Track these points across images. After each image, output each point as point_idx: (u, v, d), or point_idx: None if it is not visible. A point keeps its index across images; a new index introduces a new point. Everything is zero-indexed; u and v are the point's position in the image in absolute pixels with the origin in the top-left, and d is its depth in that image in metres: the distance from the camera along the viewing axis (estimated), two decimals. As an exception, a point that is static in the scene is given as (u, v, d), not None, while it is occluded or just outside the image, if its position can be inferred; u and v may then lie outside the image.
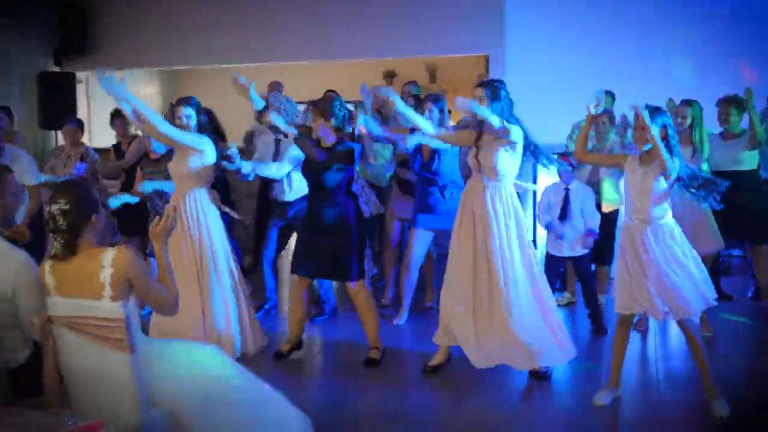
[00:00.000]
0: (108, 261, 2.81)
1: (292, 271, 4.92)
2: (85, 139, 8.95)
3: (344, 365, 4.98)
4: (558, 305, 6.23)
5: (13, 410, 2.18)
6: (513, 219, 4.43)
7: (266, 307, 6.07)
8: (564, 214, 5.63)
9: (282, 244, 6.09)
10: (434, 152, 5.37)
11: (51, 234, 2.87)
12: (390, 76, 11.45)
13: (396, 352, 5.07)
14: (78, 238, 2.86)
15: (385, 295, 6.34)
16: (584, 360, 4.91)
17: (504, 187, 4.45)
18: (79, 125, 6.92)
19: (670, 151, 3.88)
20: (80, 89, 9.76)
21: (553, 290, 5.77)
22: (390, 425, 4.02)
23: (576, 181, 5.69)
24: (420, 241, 5.57)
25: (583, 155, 4.31)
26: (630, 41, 7.86)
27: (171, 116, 4.88)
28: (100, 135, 9.85)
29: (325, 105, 4.72)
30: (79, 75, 9.71)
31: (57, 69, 9.44)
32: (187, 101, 4.78)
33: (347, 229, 4.74)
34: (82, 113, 9.51)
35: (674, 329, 5.34)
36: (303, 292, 4.94)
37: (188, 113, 4.73)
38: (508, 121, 4.35)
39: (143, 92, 11.66)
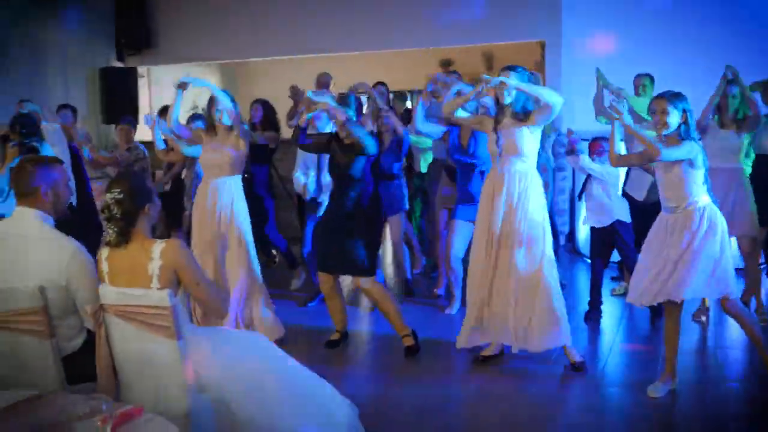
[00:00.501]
0: (157, 253, 2.89)
1: (318, 269, 5.02)
2: (145, 133, 9.19)
3: (391, 355, 4.99)
4: (614, 294, 6.17)
5: (55, 395, 2.24)
6: (531, 202, 4.38)
7: (320, 297, 6.12)
8: (582, 193, 5.61)
9: None
10: (472, 134, 5.29)
11: (106, 222, 2.95)
12: (446, 64, 11.36)
13: (446, 342, 5.04)
14: (131, 226, 2.93)
15: (438, 283, 6.33)
16: (641, 350, 4.82)
17: (529, 170, 4.41)
18: (133, 124, 7.11)
19: (687, 135, 3.86)
20: (142, 83, 9.99)
21: (606, 265, 5.68)
22: (434, 415, 4.02)
23: (607, 163, 5.57)
24: (460, 233, 5.45)
25: (618, 160, 4.23)
26: (685, 27, 7.66)
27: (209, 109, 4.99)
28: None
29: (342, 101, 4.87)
30: (141, 70, 9.93)
31: (119, 64, 9.67)
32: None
33: (356, 223, 4.78)
34: (143, 107, 9.74)
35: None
36: (331, 288, 5.00)
37: (228, 107, 4.94)
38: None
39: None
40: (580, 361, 4.48)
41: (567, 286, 6.16)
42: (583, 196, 5.63)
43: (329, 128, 5.49)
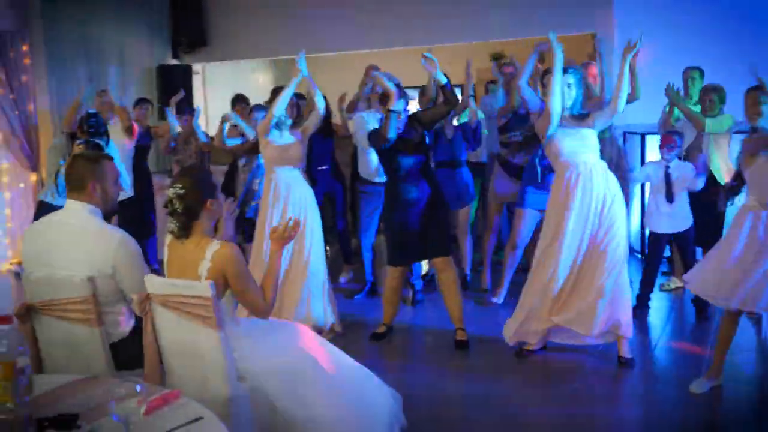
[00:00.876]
0: (210, 254, 2.95)
1: (393, 264, 5.02)
2: (202, 126, 9.40)
3: (436, 348, 5.03)
4: (663, 290, 6.10)
5: (97, 379, 2.34)
6: (614, 199, 4.45)
7: (367, 289, 6.20)
8: (669, 196, 5.46)
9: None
10: None
11: (169, 216, 3.05)
12: (498, 57, 11.30)
13: (491, 336, 5.05)
14: (193, 220, 3.01)
15: (483, 278, 6.33)
16: (686, 346, 4.76)
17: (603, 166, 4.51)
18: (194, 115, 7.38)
19: None
20: (197, 80, 10.21)
21: (658, 271, 5.62)
22: (479, 409, 4.04)
23: (676, 160, 5.53)
24: (529, 221, 5.55)
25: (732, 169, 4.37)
26: (738, 21, 7.48)
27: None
28: (216, 123, 10.27)
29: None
30: (195, 67, 10.14)
31: (175, 62, 9.90)
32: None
33: (434, 208, 4.88)
34: (198, 103, 9.94)
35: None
36: (399, 282, 5.07)
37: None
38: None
39: (259, 80, 12.05)
40: (630, 358, 4.46)
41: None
42: (658, 199, 5.55)
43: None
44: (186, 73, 9.75)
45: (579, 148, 4.44)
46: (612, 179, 4.49)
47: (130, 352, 3.15)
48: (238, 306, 3.16)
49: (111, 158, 3.27)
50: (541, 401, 4.13)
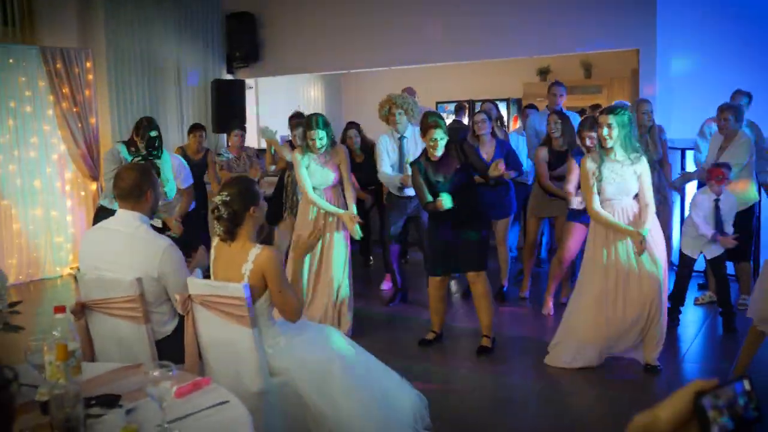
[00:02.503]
0: (252, 256, 3.21)
1: (430, 274, 5.27)
2: (252, 140, 9.79)
3: (470, 353, 5.20)
4: (697, 304, 6.16)
5: (138, 365, 2.61)
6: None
7: (398, 297, 6.43)
8: (719, 226, 5.49)
9: (406, 236, 6.44)
10: None
11: (215, 221, 3.32)
12: (544, 73, 11.45)
13: (527, 343, 5.21)
14: (237, 226, 3.27)
15: (524, 287, 6.49)
16: (715, 360, 4.84)
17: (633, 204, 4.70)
18: (243, 132, 7.74)
19: None
20: (250, 94, 10.59)
21: (688, 287, 5.69)
22: (506, 414, 4.21)
23: (725, 191, 5.56)
24: (578, 235, 5.67)
25: None
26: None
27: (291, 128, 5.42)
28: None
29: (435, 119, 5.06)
30: (249, 81, 10.54)
31: (229, 76, 10.30)
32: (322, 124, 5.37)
33: (478, 224, 5.05)
34: (250, 117, 10.32)
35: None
36: (440, 291, 5.27)
37: (321, 135, 5.34)
38: (635, 146, 4.62)
39: (308, 95, 12.40)
40: (656, 365, 4.58)
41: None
42: (701, 227, 5.55)
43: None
44: (239, 88, 10.15)
45: (618, 194, 4.62)
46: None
47: (173, 349, 3.41)
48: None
49: (156, 169, 3.56)
50: (563, 408, 4.27)
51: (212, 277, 3.37)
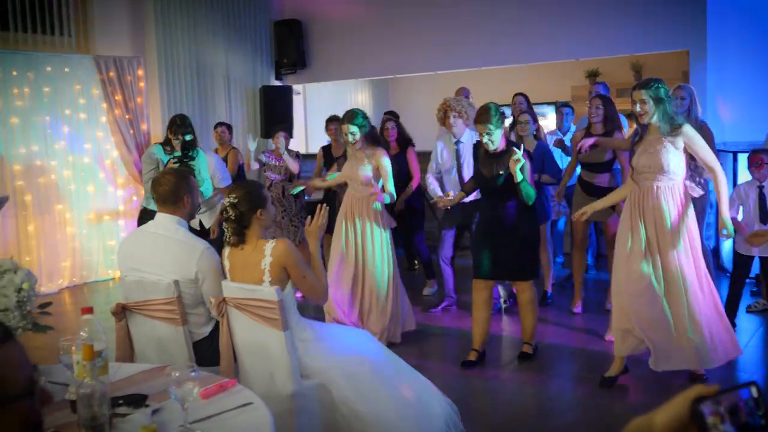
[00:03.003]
0: (269, 251, 3.28)
1: (476, 276, 5.07)
2: (300, 145, 9.90)
3: (510, 360, 5.18)
4: (750, 311, 6.00)
5: (164, 366, 2.67)
6: (685, 218, 4.37)
7: (444, 304, 6.40)
8: (765, 216, 5.30)
9: (458, 242, 6.40)
10: None
11: (224, 223, 3.40)
12: (593, 75, 11.30)
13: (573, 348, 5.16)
14: (245, 228, 3.34)
15: (575, 301, 6.26)
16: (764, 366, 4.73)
17: (676, 186, 4.38)
18: (288, 135, 7.77)
19: None
20: (297, 100, 10.72)
21: (743, 291, 5.53)
22: (540, 423, 4.18)
23: None
24: None
25: None
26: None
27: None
28: (315, 140, 10.77)
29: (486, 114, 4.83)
30: (297, 87, 10.67)
31: (277, 83, 10.45)
32: (351, 119, 5.35)
33: (524, 230, 4.89)
34: (298, 122, 10.45)
35: None
36: (482, 296, 5.05)
37: (353, 130, 5.32)
38: (673, 120, 4.31)
39: (356, 100, 12.49)
40: (701, 374, 4.48)
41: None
42: (749, 220, 5.40)
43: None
44: (287, 94, 10.28)
45: (647, 168, 4.38)
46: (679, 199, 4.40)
47: (209, 351, 3.49)
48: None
49: (194, 174, 3.65)
50: (597, 414, 4.22)
51: None
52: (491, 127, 4.78)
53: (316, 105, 11.23)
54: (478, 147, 5.06)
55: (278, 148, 7.15)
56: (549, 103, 11.09)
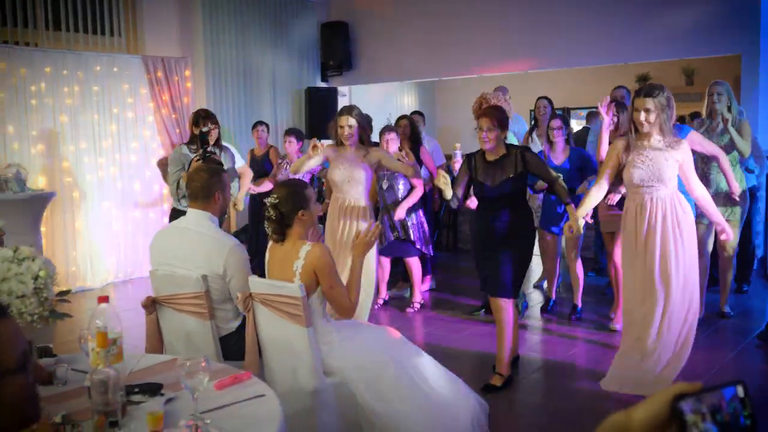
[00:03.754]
0: (303, 253, 3.29)
1: (482, 289, 4.96)
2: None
3: (542, 364, 5.11)
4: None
5: (176, 357, 2.70)
6: (679, 226, 4.24)
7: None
8: None
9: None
10: None
11: (266, 222, 3.42)
12: (643, 80, 11.09)
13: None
14: (286, 228, 3.36)
15: (615, 313, 5.84)
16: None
17: (675, 195, 4.26)
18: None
19: None
20: (343, 101, 10.77)
21: None
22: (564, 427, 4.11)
23: None
24: None
25: None
26: None
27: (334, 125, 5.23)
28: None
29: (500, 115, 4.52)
30: (343, 89, 10.72)
31: (323, 84, 10.52)
32: (350, 110, 5.19)
33: (518, 244, 4.52)
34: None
35: None
36: (495, 310, 4.63)
37: (352, 123, 5.10)
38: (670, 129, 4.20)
39: (402, 102, 12.49)
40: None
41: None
42: None
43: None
44: (332, 95, 10.34)
45: (648, 179, 4.25)
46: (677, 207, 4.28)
47: (236, 345, 3.52)
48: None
49: (225, 170, 3.68)
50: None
51: (267, 277, 3.45)
52: (494, 123, 4.42)
53: (362, 107, 11.18)
54: (471, 157, 4.63)
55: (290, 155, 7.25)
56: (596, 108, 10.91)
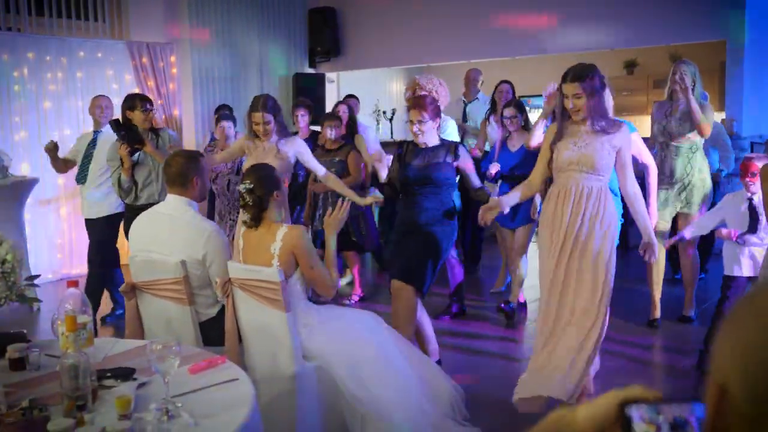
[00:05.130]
0: (280, 236, 3.31)
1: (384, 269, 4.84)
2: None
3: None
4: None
5: (141, 344, 2.69)
6: (602, 224, 3.71)
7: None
8: (753, 226, 4.44)
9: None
10: None
11: (242, 209, 3.42)
12: (630, 65, 11.11)
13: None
14: (263, 211, 3.37)
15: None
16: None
17: (603, 188, 3.74)
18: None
19: None
20: (331, 87, 10.74)
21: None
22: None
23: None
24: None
25: None
26: None
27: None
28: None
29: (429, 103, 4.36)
30: (330, 75, 10.69)
31: (311, 70, 10.48)
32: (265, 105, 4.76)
33: (438, 230, 4.33)
34: (330, 108, 10.46)
35: None
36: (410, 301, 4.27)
37: (268, 119, 4.73)
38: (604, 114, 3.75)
39: (390, 88, 12.47)
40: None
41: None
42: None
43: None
44: (320, 81, 10.30)
45: (576, 164, 3.79)
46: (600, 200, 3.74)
47: (216, 331, 3.52)
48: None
49: (203, 155, 3.68)
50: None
51: (242, 263, 3.46)
52: (426, 115, 4.27)
53: (350, 93, 11.22)
54: (403, 144, 4.52)
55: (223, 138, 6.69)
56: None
